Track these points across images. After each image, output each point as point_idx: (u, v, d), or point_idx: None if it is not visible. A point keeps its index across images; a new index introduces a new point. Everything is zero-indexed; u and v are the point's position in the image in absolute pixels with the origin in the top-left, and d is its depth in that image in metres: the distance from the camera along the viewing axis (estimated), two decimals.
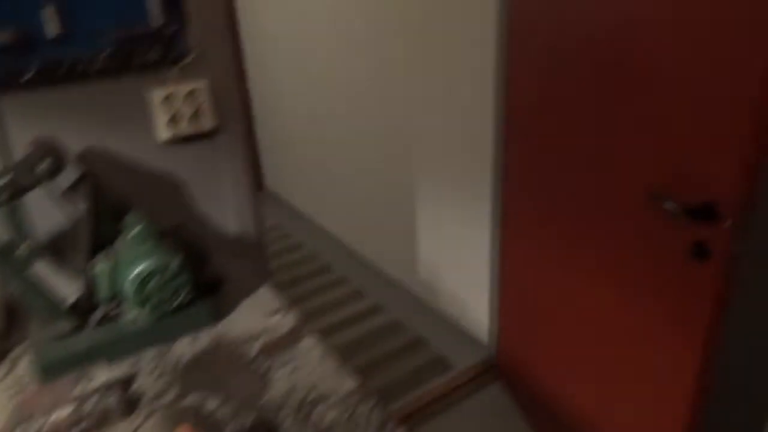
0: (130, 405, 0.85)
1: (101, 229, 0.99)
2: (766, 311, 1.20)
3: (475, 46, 1.81)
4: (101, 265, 0.95)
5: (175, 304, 0.99)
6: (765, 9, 0.92)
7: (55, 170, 0.92)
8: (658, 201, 1.08)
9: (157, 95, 1.12)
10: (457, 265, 2.29)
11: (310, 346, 0.99)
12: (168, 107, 1.13)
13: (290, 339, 1.01)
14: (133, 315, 0.97)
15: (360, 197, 2.83)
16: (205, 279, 1.15)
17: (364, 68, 2.47)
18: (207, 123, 1.19)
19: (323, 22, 2.64)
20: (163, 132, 1.15)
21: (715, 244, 1.02)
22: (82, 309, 0.95)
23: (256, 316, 1.08)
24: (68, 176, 0.93)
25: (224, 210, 1.30)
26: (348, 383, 0.89)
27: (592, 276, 1.47)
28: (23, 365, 0.95)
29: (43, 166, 0.90)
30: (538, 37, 1.50)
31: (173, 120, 1.15)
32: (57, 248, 1.08)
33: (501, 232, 1.91)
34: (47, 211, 1.05)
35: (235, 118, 1.24)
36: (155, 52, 1.10)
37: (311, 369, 0.93)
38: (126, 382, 0.90)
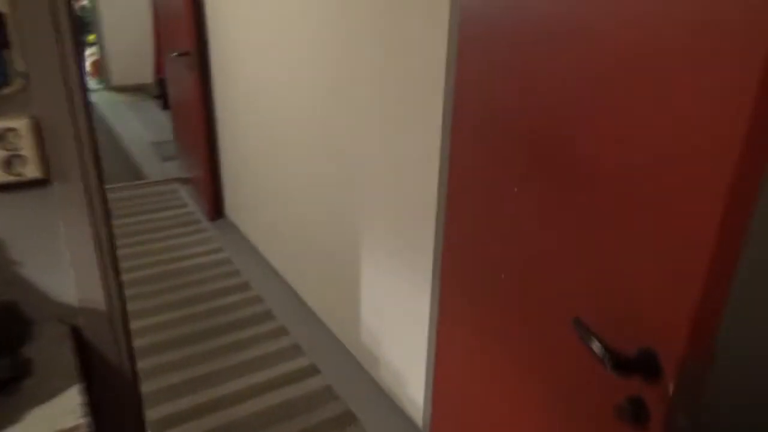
0: None
1: None
2: None
3: (422, 123, 1.58)
4: None
5: None
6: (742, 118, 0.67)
7: None
8: (584, 338, 0.82)
9: None
10: (396, 336, 2.02)
11: None
12: None
13: None
14: None
15: (311, 246, 2.58)
16: None
17: (319, 117, 2.24)
18: (30, 170, 0.94)
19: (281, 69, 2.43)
20: None
21: (655, 406, 0.76)
22: None
23: None
24: None
25: (58, 276, 1.05)
26: None
27: (518, 397, 1.21)
28: None
29: None
30: (475, 123, 1.25)
31: None
32: None
33: (438, 318, 1.64)
34: None
35: (74, 164, 0.99)
36: None
37: None
38: None
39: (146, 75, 6.98)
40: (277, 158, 2.74)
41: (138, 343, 2.46)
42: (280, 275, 3.01)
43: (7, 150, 0.91)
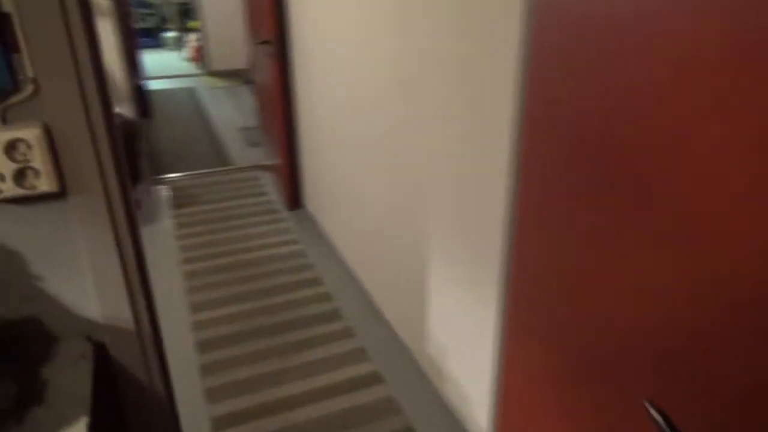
0: None
1: None
2: None
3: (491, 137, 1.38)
4: None
5: None
6: None
7: None
8: (659, 428, 0.62)
9: None
10: (462, 353, 1.85)
11: None
12: None
13: None
14: None
15: (383, 247, 2.45)
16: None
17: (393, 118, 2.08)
18: (43, 183, 0.87)
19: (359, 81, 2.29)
20: None
21: None
22: None
23: None
24: None
25: (81, 292, 0.98)
26: None
27: None
28: None
29: None
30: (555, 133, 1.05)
31: None
32: None
33: (503, 344, 1.45)
34: None
35: (92, 176, 0.91)
36: None
37: None
38: None
39: (242, 61, 7.16)
40: (352, 155, 2.63)
41: (208, 334, 2.48)
42: (351, 272, 2.92)
43: (18, 162, 0.84)
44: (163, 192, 3.90)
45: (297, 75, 3.25)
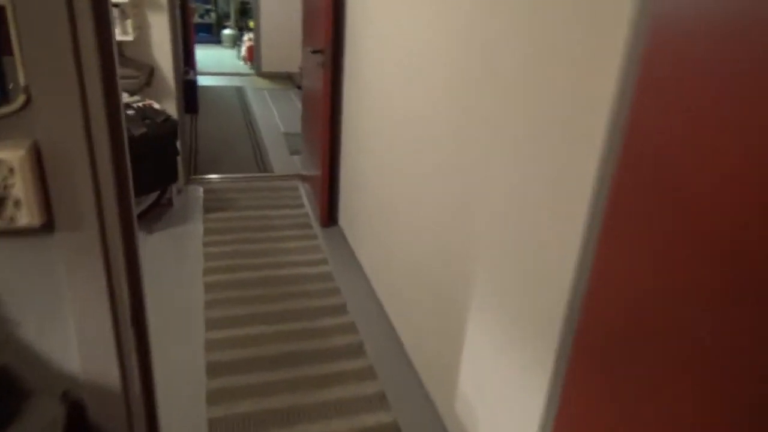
0: None
1: None
2: None
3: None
4: None
5: None
6: None
7: None
8: None
9: None
10: (496, 421, 1.63)
11: None
12: None
13: None
14: None
15: (417, 283, 2.25)
16: None
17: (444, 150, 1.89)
18: (25, 216, 0.71)
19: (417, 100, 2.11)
20: None
21: None
22: None
23: None
24: None
25: (63, 342, 0.82)
26: None
27: None
28: None
29: None
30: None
31: None
32: None
33: (554, 427, 1.24)
34: None
35: (87, 209, 0.74)
36: None
37: None
38: None
39: (293, 65, 7.10)
40: (394, 179, 2.45)
41: (220, 356, 2.31)
42: (380, 304, 2.72)
43: None
44: (197, 193, 3.79)
45: (346, 88, 3.09)
